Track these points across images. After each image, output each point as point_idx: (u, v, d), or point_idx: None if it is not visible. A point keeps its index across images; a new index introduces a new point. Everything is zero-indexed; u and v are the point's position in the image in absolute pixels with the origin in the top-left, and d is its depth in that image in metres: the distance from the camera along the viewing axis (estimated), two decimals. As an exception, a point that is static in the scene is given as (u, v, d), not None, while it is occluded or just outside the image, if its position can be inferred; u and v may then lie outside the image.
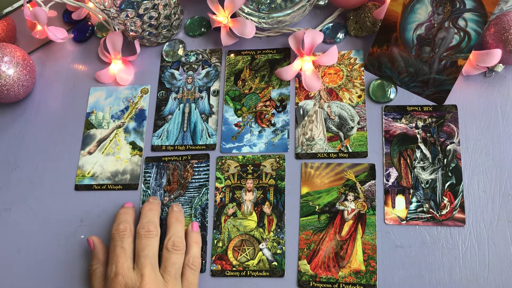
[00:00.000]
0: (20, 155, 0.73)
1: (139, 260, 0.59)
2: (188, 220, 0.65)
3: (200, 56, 0.75)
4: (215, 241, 0.64)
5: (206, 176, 0.68)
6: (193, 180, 0.68)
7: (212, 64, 0.74)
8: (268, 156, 0.67)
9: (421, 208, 0.61)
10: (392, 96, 0.67)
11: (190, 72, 0.74)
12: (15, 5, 0.73)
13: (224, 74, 0.74)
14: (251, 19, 0.71)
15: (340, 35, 0.72)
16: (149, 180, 0.68)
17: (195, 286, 0.60)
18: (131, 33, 0.74)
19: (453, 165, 0.63)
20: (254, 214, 0.65)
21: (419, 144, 0.64)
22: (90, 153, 0.71)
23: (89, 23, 0.80)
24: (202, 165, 0.68)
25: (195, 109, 0.72)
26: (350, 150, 0.65)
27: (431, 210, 0.61)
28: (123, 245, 0.59)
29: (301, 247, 0.62)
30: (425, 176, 0.63)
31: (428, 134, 0.65)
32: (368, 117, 0.67)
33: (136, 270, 0.58)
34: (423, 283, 0.58)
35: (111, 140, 0.72)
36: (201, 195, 0.67)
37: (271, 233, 0.63)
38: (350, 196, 0.63)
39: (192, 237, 0.63)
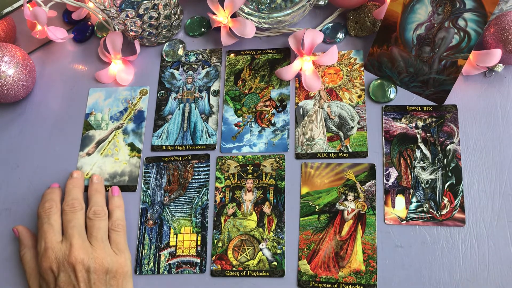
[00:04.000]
0: (20, 155, 0.73)
1: (66, 232, 0.61)
2: (188, 221, 0.65)
3: (200, 56, 0.75)
4: (215, 241, 0.64)
5: (206, 176, 0.67)
6: (193, 180, 0.68)
7: (212, 64, 0.74)
8: (268, 156, 0.67)
9: (421, 208, 0.61)
10: (392, 96, 0.67)
11: (190, 72, 0.74)
12: (15, 5, 0.73)
13: (224, 74, 0.74)
14: (251, 19, 0.71)
15: (340, 35, 0.72)
16: (149, 180, 0.68)
17: (123, 245, 0.63)
18: (131, 33, 0.74)
19: (453, 165, 0.63)
20: (254, 214, 0.64)
21: (419, 144, 0.64)
22: (88, 154, 0.71)
23: (89, 23, 0.80)
24: (202, 165, 0.68)
25: (195, 109, 0.72)
26: (350, 150, 0.65)
27: (431, 210, 0.61)
28: (50, 222, 0.62)
29: (301, 247, 0.62)
30: (425, 176, 0.63)
31: (428, 134, 0.65)
32: (368, 117, 0.67)
33: (65, 241, 0.60)
34: (423, 283, 0.58)
35: (109, 141, 0.72)
36: (201, 195, 0.67)
37: (271, 233, 0.63)
38: (350, 196, 0.63)
39: (112, 202, 0.66)
